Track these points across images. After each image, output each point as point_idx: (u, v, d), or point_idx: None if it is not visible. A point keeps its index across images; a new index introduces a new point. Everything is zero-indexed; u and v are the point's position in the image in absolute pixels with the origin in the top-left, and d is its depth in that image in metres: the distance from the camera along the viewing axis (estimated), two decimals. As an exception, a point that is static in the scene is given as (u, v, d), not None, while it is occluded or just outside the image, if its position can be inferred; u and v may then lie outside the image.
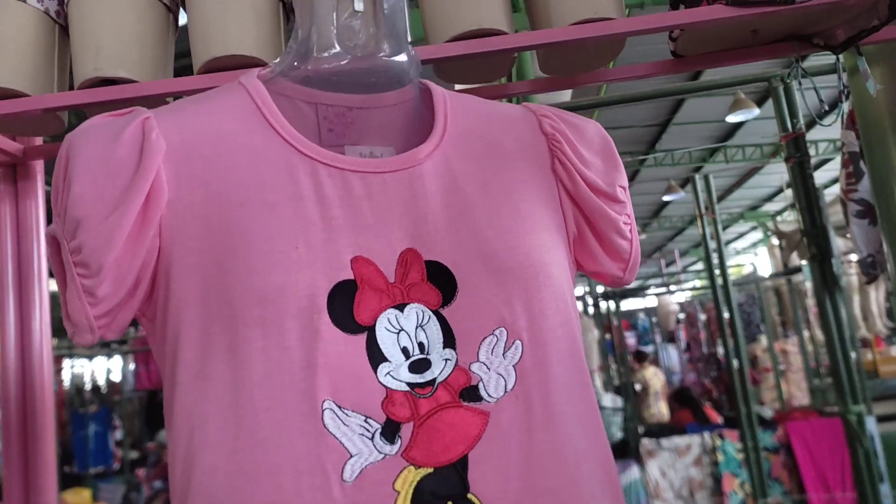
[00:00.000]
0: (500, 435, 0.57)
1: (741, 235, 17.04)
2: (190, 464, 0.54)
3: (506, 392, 0.58)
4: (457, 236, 0.61)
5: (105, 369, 8.51)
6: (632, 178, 13.59)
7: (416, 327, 0.58)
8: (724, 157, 11.95)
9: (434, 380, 0.58)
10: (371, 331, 0.57)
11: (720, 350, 8.07)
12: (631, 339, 10.14)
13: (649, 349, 10.09)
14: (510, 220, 0.62)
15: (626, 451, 4.82)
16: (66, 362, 7.69)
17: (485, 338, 0.59)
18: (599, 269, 0.70)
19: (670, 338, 9.97)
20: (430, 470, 0.55)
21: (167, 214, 0.57)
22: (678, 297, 10.03)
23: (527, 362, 0.59)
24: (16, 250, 1.09)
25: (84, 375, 8.40)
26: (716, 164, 11.36)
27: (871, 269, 1.88)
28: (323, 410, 0.54)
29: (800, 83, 1.01)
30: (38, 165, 1.14)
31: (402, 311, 0.58)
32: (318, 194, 0.59)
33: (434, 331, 0.59)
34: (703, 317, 8.92)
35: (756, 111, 8.38)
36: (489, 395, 0.58)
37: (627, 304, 11.24)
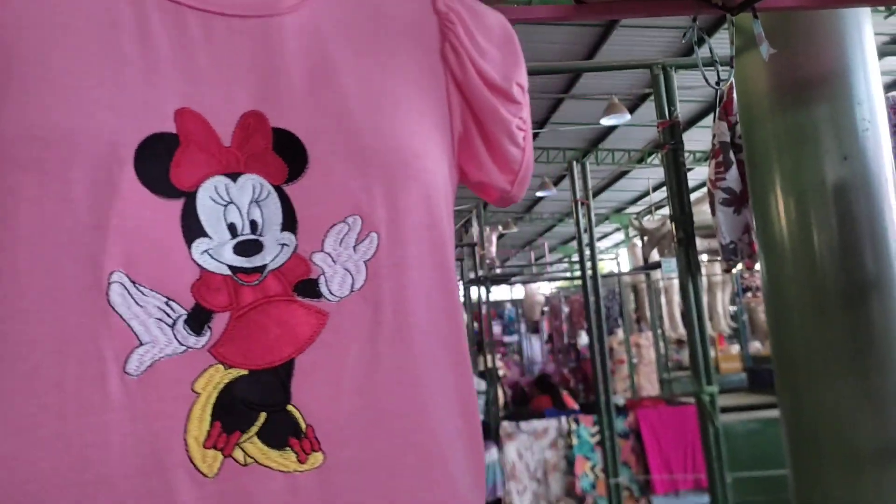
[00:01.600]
0: (339, 341, 0.48)
1: (605, 236, 17.89)
2: None
3: (352, 291, 0.49)
4: (315, 105, 0.51)
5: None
6: (508, 172, 13.90)
7: (251, 202, 0.48)
8: (595, 159, 12.47)
9: (264, 266, 0.47)
10: (191, 198, 0.46)
11: (580, 342, 8.42)
12: (497, 328, 10.37)
13: (514, 338, 10.36)
14: (382, 100, 0.53)
15: (486, 433, 4.90)
16: None
17: (334, 225, 0.49)
18: (485, 178, 0.61)
19: (534, 328, 10.28)
20: (245, 372, 0.46)
21: None
22: (544, 289, 10.36)
23: (382, 260, 0.50)
24: None
25: None
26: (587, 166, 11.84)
27: (732, 256, 1.96)
28: (110, 284, 0.43)
29: (695, 42, 1.00)
30: None
31: (234, 180, 0.48)
32: (141, 28, 0.48)
33: (273, 209, 0.48)
34: (566, 309, 9.26)
35: (627, 116, 8.78)
36: (331, 292, 0.49)
37: (496, 294, 11.50)
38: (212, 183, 0.47)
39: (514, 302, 11.04)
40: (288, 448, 0.45)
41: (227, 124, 0.48)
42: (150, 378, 0.43)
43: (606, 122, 8.80)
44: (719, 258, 2.50)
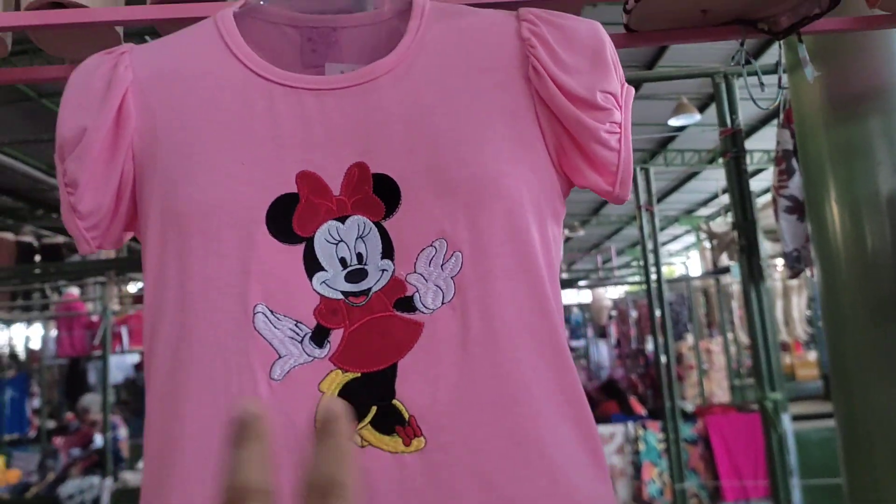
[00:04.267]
0: (434, 346, 0.58)
1: (675, 238, 17.54)
2: (150, 353, 0.59)
3: (443, 303, 0.59)
4: (410, 149, 0.61)
5: (24, 336, 8.19)
6: (574, 176, 13.80)
7: (356, 238, 0.60)
8: (664, 161, 12.27)
9: (369, 289, 0.59)
10: (309, 241, 0.59)
11: (649, 347, 8.31)
12: (564, 332, 10.28)
13: (581, 343, 10.29)
14: (469, 131, 0.61)
15: (552, 437, 4.90)
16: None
17: (423, 249, 0.60)
18: (588, 183, 0.66)
19: (602, 333, 10.19)
20: (358, 375, 0.58)
21: (137, 140, 0.61)
22: (612, 293, 10.26)
23: (467, 275, 0.59)
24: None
25: (1, 340, 8.08)
26: (655, 166, 11.64)
27: (795, 264, 1.97)
28: (255, 314, 0.57)
29: (743, 65, 1.05)
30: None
31: (343, 223, 0.60)
32: (271, 113, 0.61)
33: (374, 242, 0.60)
34: (634, 314, 9.16)
35: (697, 116, 8.62)
36: (425, 306, 0.59)
37: (563, 298, 11.43)
38: (325, 227, 0.60)
39: (581, 306, 10.94)
40: (395, 434, 0.57)
41: (336, 177, 0.60)
42: (288, 382, 0.57)
43: (675, 122, 8.66)
44: (791, 262, 2.51)
